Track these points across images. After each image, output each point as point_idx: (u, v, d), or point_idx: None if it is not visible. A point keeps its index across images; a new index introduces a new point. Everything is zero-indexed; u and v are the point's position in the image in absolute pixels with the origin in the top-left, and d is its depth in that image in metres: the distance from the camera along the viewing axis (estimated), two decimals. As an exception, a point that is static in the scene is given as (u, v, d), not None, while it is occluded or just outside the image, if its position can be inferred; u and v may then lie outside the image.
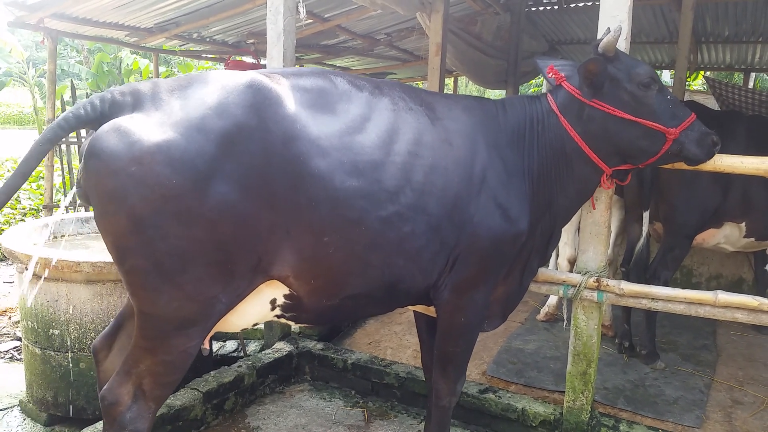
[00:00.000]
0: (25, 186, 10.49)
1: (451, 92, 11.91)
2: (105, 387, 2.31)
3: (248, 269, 2.21)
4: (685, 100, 5.47)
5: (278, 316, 2.52)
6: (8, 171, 12.04)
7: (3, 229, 7.11)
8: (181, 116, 2.06)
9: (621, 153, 2.71)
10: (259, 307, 2.42)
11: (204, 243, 2.07)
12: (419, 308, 2.94)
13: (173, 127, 2.03)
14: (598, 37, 2.96)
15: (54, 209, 6.87)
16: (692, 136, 2.66)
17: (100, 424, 3.05)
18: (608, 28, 2.79)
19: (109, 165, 1.98)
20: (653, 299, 3.10)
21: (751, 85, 9.44)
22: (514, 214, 2.59)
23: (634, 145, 2.66)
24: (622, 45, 2.87)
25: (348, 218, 2.25)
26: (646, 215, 3.97)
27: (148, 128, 2.01)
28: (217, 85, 2.17)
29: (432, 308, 2.76)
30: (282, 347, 4.15)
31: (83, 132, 7.24)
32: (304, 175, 2.17)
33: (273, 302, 2.43)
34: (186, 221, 2.03)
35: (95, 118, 2.10)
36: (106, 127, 2.03)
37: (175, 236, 2.03)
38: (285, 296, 2.40)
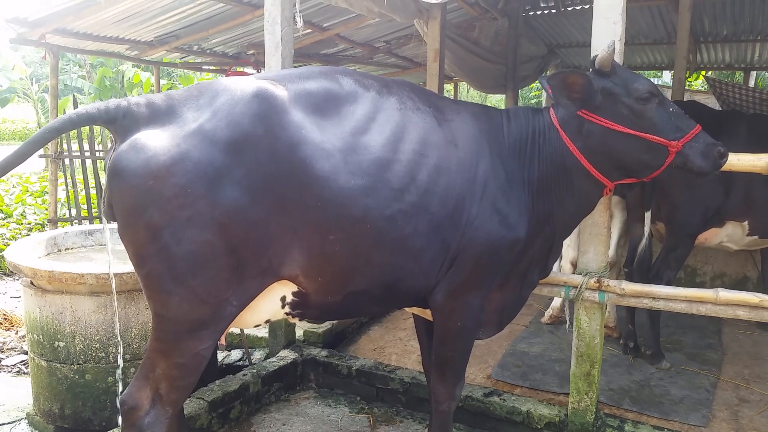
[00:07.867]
0: (30, 201, 10.56)
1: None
2: (125, 392, 2.37)
3: (258, 272, 2.27)
4: (685, 100, 5.49)
5: (287, 313, 2.57)
6: (13, 186, 12.11)
7: (9, 244, 7.14)
8: (193, 128, 2.16)
9: (622, 167, 2.68)
10: (271, 304, 2.50)
11: (216, 247, 2.15)
12: (416, 310, 2.96)
13: (186, 139, 2.13)
14: (593, 40, 2.99)
15: (59, 223, 6.92)
16: (697, 148, 2.59)
17: (106, 435, 3.08)
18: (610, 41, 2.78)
19: (129, 181, 2.10)
20: (654, 298, 3.11)
21: (752, 83, 9.41)
22: (512, 221, 2.60)
23: (636, 159, 2.63)
24: (617, 47, 2.87)
25: (353, 216, 2.30)
26: (647, 215, 3.97)
27: (163, 143, 2.12)
28: (226, 96, 2.24)
29: (429, 311, 2.78)
30: (287, 355, 4.16)
31: (86, 146, 7.32)
32: (311, 177, 2.23)
33: (283, 299, 2.50)
34: (199, 226, 2.11)
35: (107, 121, 2.21)
36: (124, 146, 2.13)
37: (188, 241, 2.12)
38: (293, 293, 2.47)
